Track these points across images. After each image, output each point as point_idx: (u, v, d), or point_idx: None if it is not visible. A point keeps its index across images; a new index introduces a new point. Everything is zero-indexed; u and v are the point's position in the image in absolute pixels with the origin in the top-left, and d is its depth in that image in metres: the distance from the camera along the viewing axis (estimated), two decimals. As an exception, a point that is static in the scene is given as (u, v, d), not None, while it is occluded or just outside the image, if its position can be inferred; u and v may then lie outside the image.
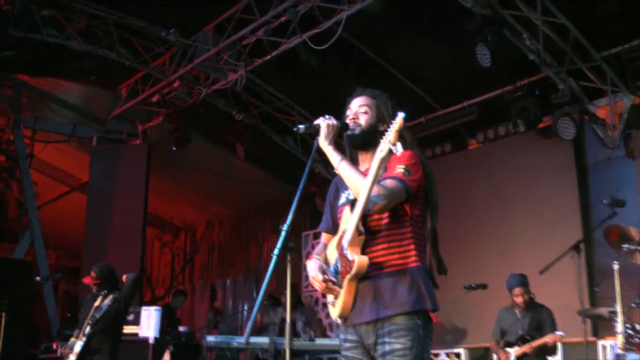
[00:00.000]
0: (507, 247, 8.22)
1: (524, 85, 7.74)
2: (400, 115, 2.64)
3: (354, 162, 3.06)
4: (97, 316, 5.98)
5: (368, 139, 3.04)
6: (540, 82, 7.64)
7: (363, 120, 3.07)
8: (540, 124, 7.86)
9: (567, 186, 7.86)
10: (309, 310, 9.94)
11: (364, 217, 2.83)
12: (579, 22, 6.84)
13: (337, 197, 3.20)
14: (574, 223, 7.62)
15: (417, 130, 8.92)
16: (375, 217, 2.88)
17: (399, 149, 2.61)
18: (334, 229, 3.15)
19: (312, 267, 2.95)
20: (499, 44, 6.77)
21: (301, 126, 2.97)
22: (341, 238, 2.91)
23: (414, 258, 2.86)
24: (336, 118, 3.08)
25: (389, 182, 2.82)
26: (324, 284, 2.87)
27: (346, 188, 3.07)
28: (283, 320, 8.12)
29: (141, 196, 9.78)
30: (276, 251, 2.63)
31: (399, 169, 2.86)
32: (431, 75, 8.56)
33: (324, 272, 2.89)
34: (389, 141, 2.64)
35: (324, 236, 3.27)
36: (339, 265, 2.90)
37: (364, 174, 2.83)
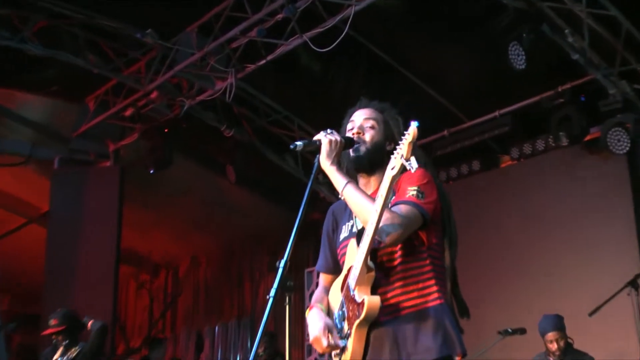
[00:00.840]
0: (549, 283, 8.16)
1: (567, 91, 7.73)
2: (414, 125, 2.61)
3: None
4: (57, 373, 5.93)
5: (374, 160, 3.03)
6: (586, 87, 7.64)
7: (369, 136, 3.07)
8: (587, 137, 7.85)
9: (621, 210, 7.82)
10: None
11: (373, 251, 2.81)
12: (632, 14, 6.83)
13: (336, 229, 3.21)
14: (630, 254, 7.55)
15: (439, 145, 8.91)
16: (388, 249, 2.87)
17: (413, 164, 2.57)
18: (334, 268, 3.15)
19: (315, 324, 2.93)
20: (535, 43, 6.77)
21: (299, 143, 2.97)
22: (346, 277, 2.90)
23: (435, 295, 2.86)
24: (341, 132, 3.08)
25: (402, 208, 2.81)
26: (327, 350, 2.87)
27: (348, 219, 3.09)
28: None
29: (113, 228, 9.73)
30: (273, 292, 2.61)
31: (411, 191, 2.85)
32: (455, 81, 8.57)
33: (329, 331, 2.87)
34: (401, 156, 2.61)
35: (322, 278, 3.27)
36: (345, 310, 2.89)
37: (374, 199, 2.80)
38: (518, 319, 7.51)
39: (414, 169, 2.58)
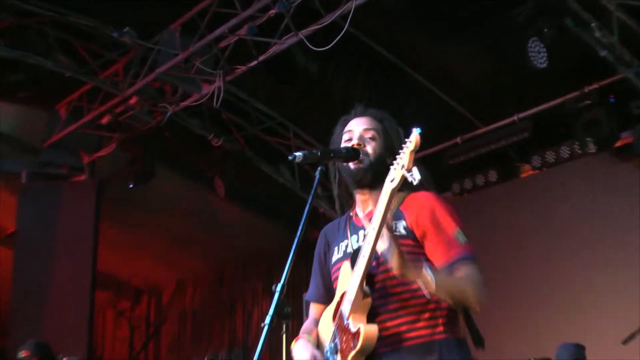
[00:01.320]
0: (577, 309, 8.12)
1: (594, 91, 7.73)
2: (416, 132, 2.57)
3: (347, 204, 3.10)
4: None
5: (377, 174, 2.97)
6: (616, 86, 7.64)
7: (371, 148, 3.04)
8: (618, 142, 7.84)
9: (657, 225, 7.78)
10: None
11: (370, 274, 2.78)
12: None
13: (328, 252, 3.17)
14: (667, 275, 7.52)
15: (451, 154, 8.89)
16: (389, 273, 2.79)
17: (416, 176, 2.53)
18: (326, 297, 3.12)
19: (301, 355, 2.91)
20: (558, 38, 6.76)
21: (298, 154, 2.91)
22: (339, 304, 2.86)
23: (443, 327, 2.82)
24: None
25: (470, 269, 2.78)
26: None
27: (342, 238, 3.07)
28: None
29: (88, 250, 9.72)
30: (268, 319, 2.57)
31: (460, 236, 2.84)
32: (468, 81, 8.56)
33: None
34: (402, 166, 2.57)
35: (313, 308, 3.24)
36: (337, 341, 2.84)
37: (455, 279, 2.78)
38: (542, 348, 7.45)
39: (417, 181, 2.53)
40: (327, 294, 3.11)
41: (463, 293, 2.74)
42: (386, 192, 2.63)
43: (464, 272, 2.77)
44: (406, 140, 2.59)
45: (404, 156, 2.57)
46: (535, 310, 8.45)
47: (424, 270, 2.67)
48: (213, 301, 13.13)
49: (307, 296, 3.27)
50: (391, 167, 2.63)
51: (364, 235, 2.91)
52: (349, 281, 2.79)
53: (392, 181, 2.61)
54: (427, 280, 2.67)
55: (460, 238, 2.83)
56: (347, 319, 2.77)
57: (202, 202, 10.93)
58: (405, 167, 2.55)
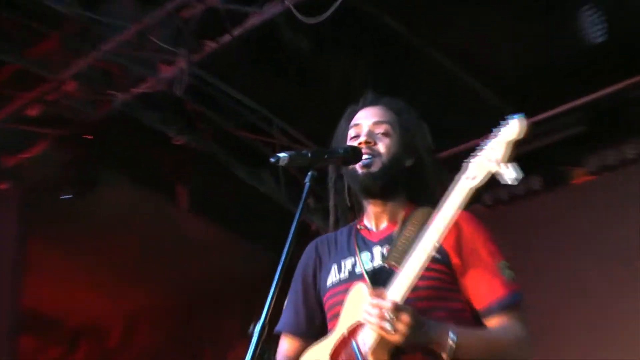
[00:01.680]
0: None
1: (664, 75, 7.80)
2: (517, 118, 2.58)
3: (345, 217, 3.17)
4: None
5: (393, 179, 3.04)
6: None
7: (383, 146, 3.07)
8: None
9: None
10: None
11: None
12: None
13: (319, 269, 3.22)
14: None
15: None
16: (419, 304, 2.82)
17: (515, 173, 2.52)
18: (307, 329, 3.16)
19: None
20: (619, 6, 6.79)
21: (283, 155, 2.94)
22: (347, 339, 2.85)
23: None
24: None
25: (512, 320, 2.86)
26: None
27: (346, 255, 3.11)
28: None
29: (9, 280, 9.73)
30: (243, 367, 2.60)
31: (503, 270, 2.91)
32: (504, 63, 8.59)
33: None
34: (489, 160, 2.57)
35: (286, 342, 3.23)
36: None
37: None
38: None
39: (515, 180, 2.52)
40: (308, 325, 3.16)
41: (497, 351, 2.79)
42: (461, 192, 2.65)
43: (505, 322, 2.85)
44: (497, 129, 2.59)
45: (496, 147, 2.57)
46: (593, 347, 8.38)
47: (441, 334, 2.72)
48: (175, 344, 13.15)
49: (279, 326, 3.24)
50: (469, 160, 2.64)
51: (382, 254, 2.99)
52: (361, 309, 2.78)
53: (472, 178, 2.61)
54: (441, 344, 2.72)
55: (506, 274, 2.90)
56: (367, 355, 2.76)
57: (161, 217, 10.96)
58: (499, 160, 2.54)
